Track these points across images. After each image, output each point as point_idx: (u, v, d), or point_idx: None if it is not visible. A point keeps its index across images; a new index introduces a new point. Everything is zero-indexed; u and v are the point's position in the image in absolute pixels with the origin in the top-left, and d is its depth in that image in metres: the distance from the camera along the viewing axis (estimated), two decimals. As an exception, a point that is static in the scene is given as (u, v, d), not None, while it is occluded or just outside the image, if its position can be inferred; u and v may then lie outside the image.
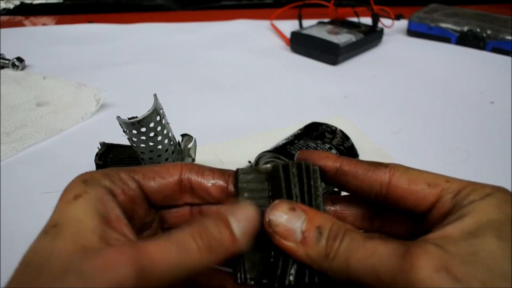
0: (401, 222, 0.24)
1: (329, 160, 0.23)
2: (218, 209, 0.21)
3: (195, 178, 0.23)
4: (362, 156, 0.43)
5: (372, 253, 0.18)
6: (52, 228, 0.18)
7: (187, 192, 0.23)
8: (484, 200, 0.19)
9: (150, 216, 0.23)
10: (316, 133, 0.42)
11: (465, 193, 0.20)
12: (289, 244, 0.20)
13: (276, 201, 0.21)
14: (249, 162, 0.44)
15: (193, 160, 0.37)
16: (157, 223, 0.24)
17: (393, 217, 0.24)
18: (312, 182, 0.22)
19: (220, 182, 0.23)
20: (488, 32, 0.75)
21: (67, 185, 0.20)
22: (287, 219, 0.20)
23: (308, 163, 0.23)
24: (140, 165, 0.23)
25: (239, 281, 0.21)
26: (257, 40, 0.80)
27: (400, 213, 0.23)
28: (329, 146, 0.40)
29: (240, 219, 0.20)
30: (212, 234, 0.19)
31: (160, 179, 0.22)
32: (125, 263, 0.17)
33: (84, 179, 0.20)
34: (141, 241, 0.18)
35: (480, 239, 0.17)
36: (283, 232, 0.20)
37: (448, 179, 0.21)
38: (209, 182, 0.23)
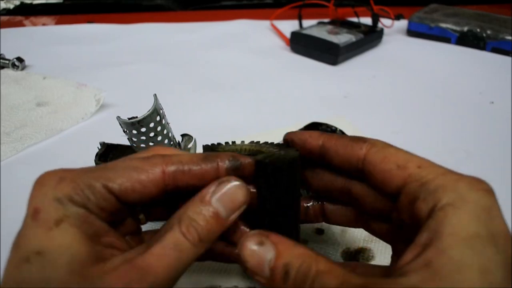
0: (374, 203, 0.23)
1: (312, 139, 0.24)
2: (202, 192, 0.20)
3: (181, 178, 0.21)
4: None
5: None
6: (36, 255, 0.17)
7: (170, 186, 0.21)
8: (458, 207, 0.17)
9: (128, 213, 0.23)
10: (316, 133, 0.42)
11: (432, 187, 0.18)
12: (260, 279, 0.19)
13: (249, 233, 0.20)
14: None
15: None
16: (136, 212, 0.24)
17: (366, 196, 0.23)
18: (288, 182, 0.22)
19: (212, 166, 0.21)
20: (488, 32, 0.75)
21: (35, 198, 0.19)
22: (255, 255, 0.19)
23: (282, 160, 0.22)
24: (113, 164, 0.21)
25: None
26: (257, 40, 0.80)
27: (379, 191, 0.22)
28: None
29: (224, 199, 0.20)
30: (199, 225, 0.19)
31: (140, 187, 0.20)
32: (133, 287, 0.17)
33: (57, 198, 0.18)
34: (137, 257, 0.18)
35: (462, 275, 0.15)
36: (253, 267, 0.19)
37: (420, 164, 0.19)
38: (197, 177, 0.21)
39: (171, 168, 0.21)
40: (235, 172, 0.22)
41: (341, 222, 0.26)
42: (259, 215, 0.23)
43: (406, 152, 0.20)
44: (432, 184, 0.18)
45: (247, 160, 0.22)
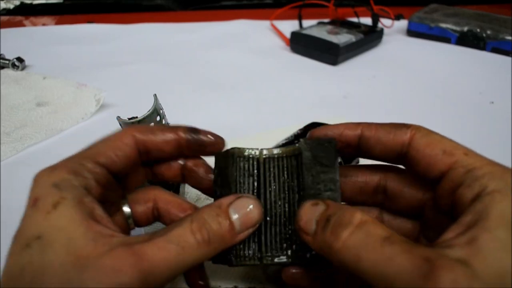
0: (408, 199, 0.23)
1: (349, 130, 0.23)
2: (220, 200, 0.21)
3: (149, 139, 0.23)
4: (362, 156, 0.43)
5: (389, 261, 0.16)
6: (35, 240, 0.17)
7: (143, 154, 0.23)
8: (506, 194, 0.17)
9: (117, 193, 0.23)
10: (316, 133, 0.42)
11: (480, 174, 0.18)
12: (307, 238, 0.20)
13: (307, 200, 0.21)
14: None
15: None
16: (119, 196, 0.24)
17: (399, 192, 0.23)
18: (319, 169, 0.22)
19: (171, 136, 0.23)
20: (488, 32, 0.75)
21: (34, 189, 0.19)
22: (308, 212, 0.20)
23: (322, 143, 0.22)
24: (92, 144, 0.23)
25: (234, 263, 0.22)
26: (257, 40, 0.80)
27: (417, 177, 0.22)
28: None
29: (240, 211, 0.20)
30: (212, 228, 0.19)
31: (121, 153, 0.22)
32: (127, 272, 0.16)
33: (54, 183, 0.19)
34: (138, 243, 0.18)
35: (506, 254, 0.15)
36: (303, 225, 0.20)
37: (467, 152, 0.20)
38: (161, 139, 0.23)
39: (139, 133, 0.23)
40: (198, 147, 0.23)
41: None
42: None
43: (451, 140, 0.21)
44: (479, 171, 0.18)
45: (209, 137, 0.23)
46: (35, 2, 0.96)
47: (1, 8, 0.95)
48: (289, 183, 0.23)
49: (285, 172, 0.23)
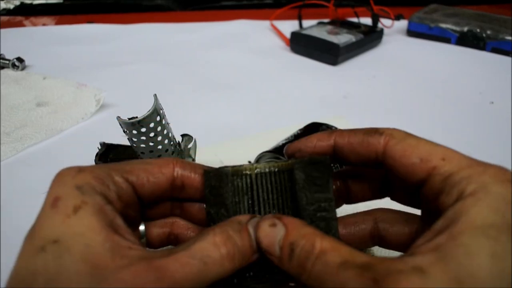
0: (404, 191, 0.23)
1: (322, 142, 0.23)
2: (237, 218, 0.21)
3: (188, 175, 0.23)
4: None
5: (344, 286, 0.16)
6: (52, 244, 0.17)
7: (177, 188, 0.23)
8: (479, 198, 0.17)
9: (137, 213, 0.23)
10: (316, 133, 0.42)
11: (457, 179, 0.18)
12: (273, 259, 0.20)
13: (263, 217, 0.21)
14: (249, 162, 0.44)
15: (193, 160, 0.37)
16: (139, 217, 0.24)
17: (397, 187, 0.23)
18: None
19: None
20: (488, 32, 0.75)
21: (55, 188, 0.19)
22: (268, 235, 0.20)
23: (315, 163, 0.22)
24: (127, 161, 0.22)
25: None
26: (257, 40, 0.80)
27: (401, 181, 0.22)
28: (329, 146, 0.40)
29: (256, 230, 0.20)
30: (236, 242, 0.19)
31: (153, 180, 0.22)
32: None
33: (77, 185, 0.19)
34: (158, 258, 0.17)
35: (471, 260, 0.15)
36: (266, 247, 0.20)
37: (444, 156, 0.19)
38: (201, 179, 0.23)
39: (181, 167, 0.22)
40: None
41: (365, 198, 0.25)
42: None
43: (428, 142, 0.20)
44: (456, 176, 0.18)
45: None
46: (35, 2, 0.96)
47: (1, 8, 0.95)
48: (282, 200, 0.23)
49: (278, 189, 0.23)
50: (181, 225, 0.24)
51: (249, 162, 0.44)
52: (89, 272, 0.16)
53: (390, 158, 0.20)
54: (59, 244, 0.17)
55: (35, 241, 0.17)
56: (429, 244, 0.17)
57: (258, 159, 0.41)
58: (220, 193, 0.23)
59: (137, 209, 0.22)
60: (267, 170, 0.23)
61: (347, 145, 0.22)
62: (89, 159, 0.38)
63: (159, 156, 0.33)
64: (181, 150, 0.36)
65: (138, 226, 0.24)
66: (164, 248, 0.19)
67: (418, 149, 0.20)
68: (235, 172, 0.23)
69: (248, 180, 0.23)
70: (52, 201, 0.18)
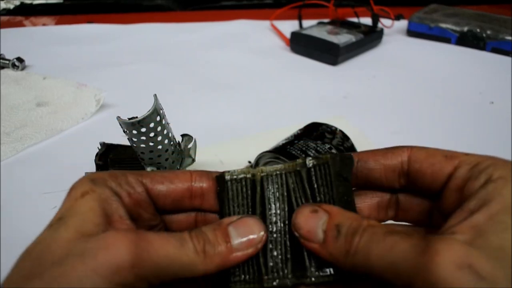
0: (417, 208, 0.23)
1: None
2: (221, 220, 0.21)
3: (207, 185, 0.23)
4: (362, 156, 0.43)
5: (391, 248, 0.17)
6: (57, 221, 0.19)
7: (197, 198, 0.23)
8: (508, 181, 0.18)
9: (157, 220, 0.23)
10: (316, 133, 0.42)
11: (484, 166, 0.19)
12: (313, 245, 0.20)
13: (301, 206, 0.21)
14: (249, 162, 0.44)
15: (193, 160, 0.37)
16: (162, 227, 0.24)
17: (409, 204, 0.24)
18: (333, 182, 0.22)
19: None
20: (488, 32, 0.75)
21: (75, 182, 0.21)
22: (309, 221, 0.20)
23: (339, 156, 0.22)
24: (141, 167, 0.24)
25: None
26: (257, 40, 0.80)
27: (419, 192, 0.22)
28: (329, 146, 0.40)
29: (240, 231, 0.20)
30: (208, 238, 0.20)
31: (169, 183, 0.22)
32: (125, 244, 0.17)
33: (92, 178, 0.21)
34: (141, 231, 0.19)
35: (508, 235, 0.16)
36: (306, 234, 0.20)
37: (467, 153, 0.20)
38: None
39: (198, 175, 0.23)
40: None
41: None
42: None
43: (449, 150, 0.21)
44: (483, 164, 0.19)
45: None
46: (35, 2, 0.96)
47: (1, 8, 0.95)
48: (291, 201, 0.22)
49: (286, 190, 0.22)
50: None
51: (249, 162, 0.44)
52: (77, 238, 0.18)
53: (416, 162, 0.21)
54: (61, 220, 0.19)
55: (50, 222, 0.19)
56: (466, 222, 0.17)
57: (258, 159, 0.41)
58: (221, 198, 0.23)
59: (152, 211, 0.23)
60: (273, 171, 0.23)
61: (372, 159, 0.23)
62: (89, 159, 0.38)
63: (159, 156, 0.33)
64: (181, 150, 0.36)
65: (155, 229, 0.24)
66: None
67: (440, 151, 0.21)
68: (231, 176, 0.23)
69: (249, 184, 0.23)
70: (68, 191, 0.20)
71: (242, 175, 0.23)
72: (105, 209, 0.20)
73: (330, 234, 0.19)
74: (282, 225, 0.22)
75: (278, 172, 0.23)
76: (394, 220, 0.25)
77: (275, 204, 0.22)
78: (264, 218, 0.22)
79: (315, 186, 0.22)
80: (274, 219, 0.22)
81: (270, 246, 0.22)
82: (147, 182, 0.22)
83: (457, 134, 0.51)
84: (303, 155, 0.38)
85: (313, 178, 0.22)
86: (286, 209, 0.22)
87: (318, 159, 0.22)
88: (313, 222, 0.20)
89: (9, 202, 0.39)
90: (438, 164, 0.21)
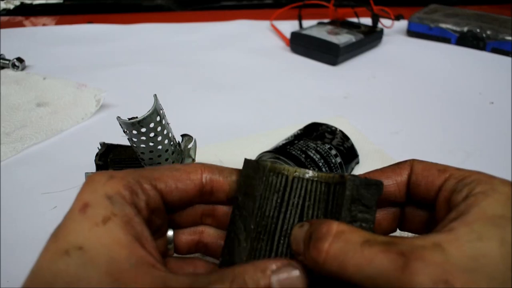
0: (419, 219, 0.25)
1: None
2: (264, 263, 0.19)
3: (217, 179, 0.23)
4: (362, 157, 0.43)
5: (370, 262, 0.17)
6: (77, 250, 0.17)
7: (206, 194, 0.23)
8: (489, 195, 0.19)
9: (164, 219, 0.23)
10: (316, 133, 0.42)
11: (469, 180, 0.20)
12: (301, 258, 0.20)
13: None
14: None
15: (193, 160, 0.37)
16: (166, 223, 0.24)
17: (412, 215, 0.25)
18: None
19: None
20: (488, 32, 0.75)
21: (85, 193, 0.19)
22: (296, 235, 0.21)
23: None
24: (141, 167, 0.23)
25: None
26: (257, 40, 0.80)
27: (419, 204, 0.24)
28: (329, 146, 0.40)
29: (283, 282, 0.19)
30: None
31: (182, 186, 0.22)
32: None
33: (108, 196, 0.19)
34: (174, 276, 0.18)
35: (483, 243, 0.17)
36: (295, 249, 0.20)
37: (459, 168, 0.22)
38: (230, 181, 0.24)
39: (208, 172, 0.23)
40: None
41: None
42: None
43: (444, 164, 0.23)
44: (468, 179, 0.20)
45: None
46: (35, 2, 0.96)
47: (1, 8, 0.95)
48: (313, 210, 0.22)
49: (312, 197, 0.22)
50: (211, 234, 0.25)
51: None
52: (111, 283, 0.16)
53: (414, 174, 0.23)
54: (83, 251, 0.17)
55: (60, 243, 0.17)
56: (444, 227, 0.18)
57: (258, 159, 0.41)
58: (252, 184, 0.22)
59: (163, 216, 0.23)
60: (306, 176, 0.23)
61: (382, 176, 0.24)
62: (89, 159, 0.38)
63: (159, 156, 0.33)
64: (181, 150, 0.36)
65: (164, 233, 0.24)
66: (184, 275, 0.19)
67: (436, 165, 0.23)
68: (273, 168, 0.23)
69: (284, 180, 0.23)
70: (81, 207, 0.18)
71: (279, 169, 0.23)
72: (131, 236, 0.18)
73: (305, 242, 0.20)
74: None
75: (309, 178, 0.23)
76: (400, 230, 0.26)
77: (299, 207, 0.22)
78: (284, 216, 0.22)
79: (330, 205, 0.22)
80: (294, 220, 0.22)
81: (283, 243, 0.22)
82: (162, 187, 0.21)
83: (457, 134, 0.51)
84: (303, 155, 0.38)
85: (331, 196, 0.22)
86: (310, 215, 0.22)
87: (342, 177, 0.22)
88: (297, 235, 0.20)
89: (9, 202, 0.39)
90: (431, 176, 0.22)
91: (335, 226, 0.19)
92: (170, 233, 0.24)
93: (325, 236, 0.18)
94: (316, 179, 0.23)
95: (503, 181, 0.20)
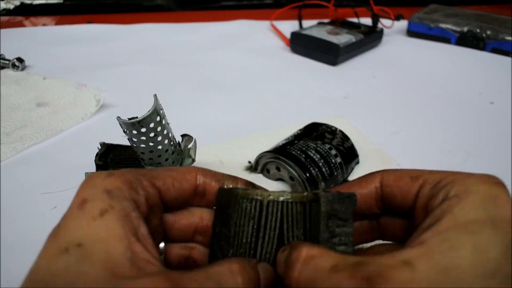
0: (397, 227, 0.24)
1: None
2: (250, 261, 0.21)
3: (209, 182, 0.24)
4: (362, 157, 0.43)
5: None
6: (76, 247, 0.17)
7: (199, 195, 0.24)
8: (462, 198, 0.18)
9: (160, 221, 0.23)
10: (316, 133, 0.42)
11: (444, 183, 0.19)
12: (283, 280, 0.20)
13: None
14: (249, 162, 0.44)
15: (193, 160, 0.37)
16: (161, 227, 0.24)
17: (390, 225, 0.24)
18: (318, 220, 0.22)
19: (230, 185, 0.24)
20: (488, 32, 0.75)
21: (84, 190, 0.19)
22: (279, 258, 0.21)
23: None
24: (141, 167, 0.23)
25: None
26: (257, 40, 0.80)
27: (395, 214, 0.23)
28: (329, 146, 0.40)
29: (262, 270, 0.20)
30: (250, 275, 0.19)
31: (178, 185, 0.22)
32: None
33: (107, 190, 0.19)
34: (176, 272, 0.17)
35: (455, 253, 0.16)
36: (279, 271, 0.20)
37: (432, 171, 0.21)
38: (222, 184, 0.24)
39: (202, 174, 0.24)
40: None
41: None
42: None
43: (417, 169, 0.22)
44: (443, 182, 0.20)
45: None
46: (35, 3, 0.96)
47: (1, 8, 0.95)
48: (292, 230, 0.22)
49: (290, 218, 0.22)
50: (201, 251, 0.25)
51: (249, 162, 0.44)
52: (107, 279, 0.16)
53: (387, 187, 0.22)
54: (82, 248, 0.17)
55: (59, 241, 0.17)
56: (416, 240, 0.18)
57: (258, 159, 0.41)
58: (227, 213, 0.23)
59: (160, 216, 0.23)
60: (281, 199, 0.23)
61: (347, 188, 0.23)
62: (89, 159, 0.38)
63: (159, 156, 0.33)
64: (181, 150, 0.36)
65: (159, 236, 0.24)
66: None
67: (408, 172, 0.22)
68: (245, 194, 0.23)
69: (258, 205, 0.22)
70: (80, 203, 0.18)
71: (252, 196, 0.22)
72: (128, 230, 0.18)
73: (280, 265, 0.20)
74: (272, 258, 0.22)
75: (284, 200, 0.23)
76: (382, 240, 0.25)
77: (276, 230, 0.22)
78: (263, 242, 0.22)
79: (308, 224, 0.22)
80: (273, 245, 0.22)
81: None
82: (160, 185, 0.22)
83: (457, 134, 0.51)
84: (303, 155, 0.38)
85: (308, 215, 0.22)
86: (290, 237, 0.22)
87: (315, 195, 0.22)
88: (280, 259, 0.20)
89: (9, 202, 0.39)
90: (405, 186, 0.21)
91: (304, 252, 0.19)
92: (161, 245, 0.24)
93: (294, 263, 0.19)
94: (291, 200, 0.22)
95: (479, 179, 0.19)
